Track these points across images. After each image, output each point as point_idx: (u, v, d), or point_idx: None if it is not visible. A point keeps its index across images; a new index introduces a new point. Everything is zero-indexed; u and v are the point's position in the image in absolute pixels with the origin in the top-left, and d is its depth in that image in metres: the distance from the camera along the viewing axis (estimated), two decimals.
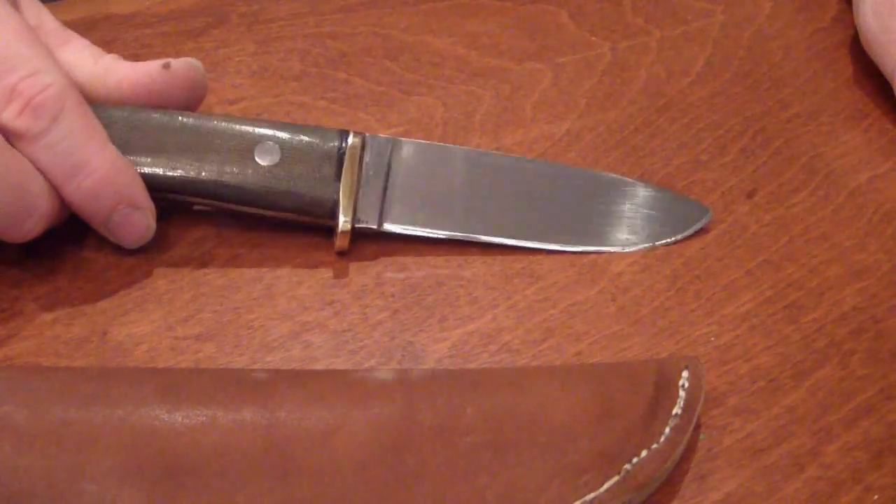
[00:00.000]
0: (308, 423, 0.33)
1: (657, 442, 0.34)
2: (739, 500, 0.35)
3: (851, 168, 0.48)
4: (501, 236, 0.43)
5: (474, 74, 0.51)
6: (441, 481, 0.32)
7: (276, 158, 0.41)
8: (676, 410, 0.35)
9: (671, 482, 0.35)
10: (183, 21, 0.52)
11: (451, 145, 0.43)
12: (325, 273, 0.42)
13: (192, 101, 0.42)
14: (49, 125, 0.37)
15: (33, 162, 0.38)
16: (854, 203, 0.46)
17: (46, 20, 0.42)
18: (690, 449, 0.36)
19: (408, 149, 0.43)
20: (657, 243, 0.43)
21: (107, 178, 0.38)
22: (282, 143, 0.41)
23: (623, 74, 0.52)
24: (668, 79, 0.52)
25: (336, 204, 0.41)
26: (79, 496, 0.31)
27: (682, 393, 0.35)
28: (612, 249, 0.43)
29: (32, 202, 0.38)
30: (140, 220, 0.40)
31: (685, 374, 0.36)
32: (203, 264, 0.42)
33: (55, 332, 0.39)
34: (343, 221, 0.41)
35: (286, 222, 0.42)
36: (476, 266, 0.42)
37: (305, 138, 0.41)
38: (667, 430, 0.34)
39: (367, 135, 0.43)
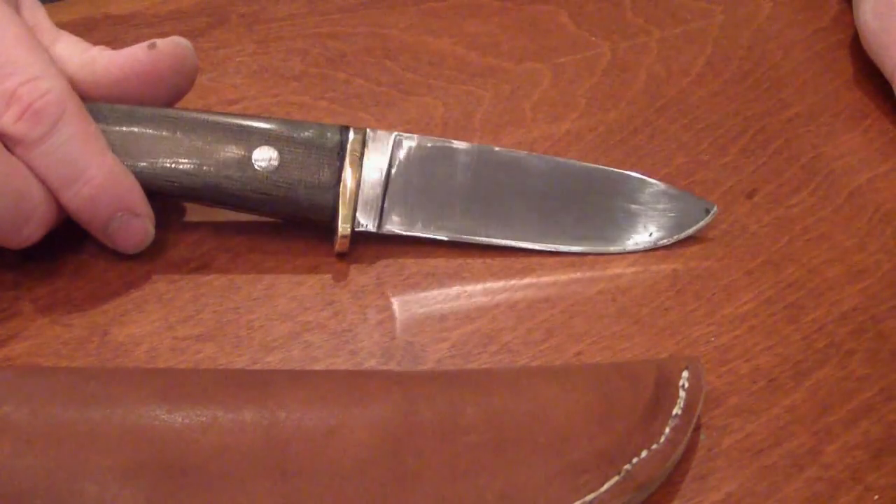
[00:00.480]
0: (308, 423, 0.33)
1: (657, 442, 0.34)
2: (739, 500, 0.35)
3: (851, 168, 0.48)
4: (501, 237, 0.43)
5: (474, 74, 0.51)
6: (441, 481, 0.32)
7: (274, 164, 0.40)
8: (676, 410, 0.35)
9: (671, 482, 0.35)
10: (183, 21, 0.53)
11: (453, 141, 0.43)
12: (325, 273, 0.42)
13: (182, 80, 0.41)
14: (48, 131, 0.37)
15: (31, 168, 0.38)
16: (854, 203, 0.46)
17: (42, 20, 0.42)
18: (690, 449, 0.36)
19: (409, 145, 0.42)
20: (660, 242, 0.43)
21: (105, 185, 0.38)
22: (280, 148, 0.40)
23: (623, 74, 0.52)
24: (668, 79, 0.52)
25: (335, 209, 0.41)
26: (79, 496, 0.31)
27: (682, 393, 0.35)
28: (616, 249, 0.43)
29: (31, 209, 0.38)
30: (139, 227, 0.40)
31: (685, 374, 0.36)
32: (203, 265, 0.42)
33: (55, 333, 0.39)
34: (342, 226, 0.41)
35: (286, 223, 0.42)
36: (476, 266, 0.42)
37: (304, 142, 0.41)
38: (667, 430, 0.34)
39: (368, 130, 0.42)
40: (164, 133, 0.40)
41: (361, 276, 0.42)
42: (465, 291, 0.41)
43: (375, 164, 0.42)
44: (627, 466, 0.33)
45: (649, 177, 0.44)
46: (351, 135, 0.41)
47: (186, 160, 0.40)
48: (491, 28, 0.54)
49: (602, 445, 0.33)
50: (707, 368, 0.39)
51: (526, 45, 0.53)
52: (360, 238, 0.42)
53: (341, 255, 0.42)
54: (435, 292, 0.41)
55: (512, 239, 0.43)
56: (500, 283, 0.42)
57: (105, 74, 0.40)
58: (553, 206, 0.43)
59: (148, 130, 0.40)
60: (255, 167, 0.40)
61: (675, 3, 0.57)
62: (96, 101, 0.40)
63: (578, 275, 0.42)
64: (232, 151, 0.40)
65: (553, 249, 0.43)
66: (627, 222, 0.43)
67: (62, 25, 0.43)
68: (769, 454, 0.36)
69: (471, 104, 0.50)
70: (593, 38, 0.54)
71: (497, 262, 0.43)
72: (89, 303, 0.40)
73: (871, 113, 0.51)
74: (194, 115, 0.41)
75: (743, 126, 0.49)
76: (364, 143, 0.41)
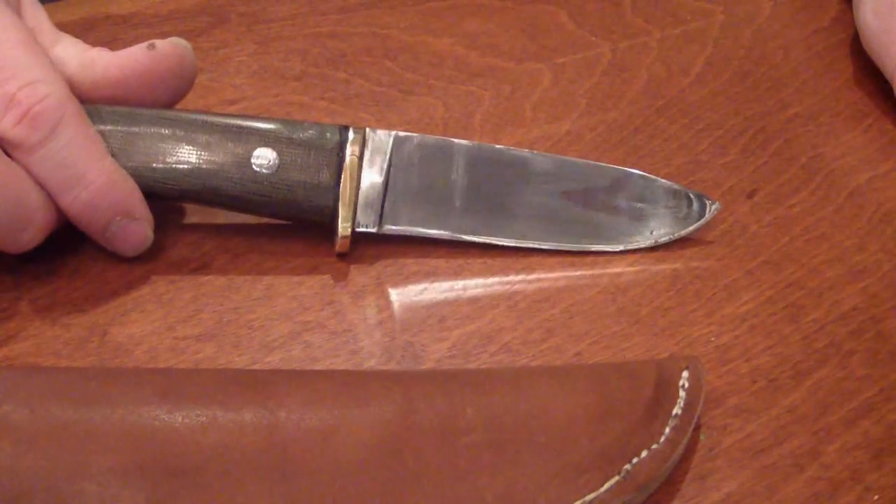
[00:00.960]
0: (308, 423, 0.33)
1: (657, 442, 0.34)
2: (739, 500, 0.35)
3: (851, 168, 0.48)
4: (502, 236, 0.43)
5: (474, 74, 0.51)
6: (441, 481, 0.32)
7: (273, 165, 0.40)
8: (676, 410, 0.35)
9: (671, 482, 0.35)
10: (183, 21, 0.53)
11: (453, 139, 0.42)
12: (325, 273, 0.42)
13: (181, 81, 0.41)
14: (47, 136, 0.37)
15: (30, 172, 0.37)
16: (854, 203, 0.46)
17: (42, 21, 0.42)
18: (690, 449, 0.36)
19: (409, 144, 0.42)
20: (662, 239, 0.43)
21: (104, 189, 0.38)
22: (279, 149, 0.40)
23: (623, 74, 0.52)
24: (668, 79, 0.52)
25: (335, 210, 0.41)
26: (79, 496, 0.31)
27: (682, 393, 0.35)
28: (618, 247, 0.43)
29: (29, 215, 0.38)
30: (137, 231, 0.40)
31: (685, 374, 0.36)
32: (203, 265, 0.42)
33: (55, 333, 0.39)
34: (343, 227, 0.41)
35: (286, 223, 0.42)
36: (476, 266, 0.42)
37: (303, 142, 0.40)
38: (667, 430, 0.34)
39: (368, 130, 0.42)
40: (163, 135, 0.40)
41: (361, 276, 0.42)
42: (465, 291, 0.41)
43: (375, 163, 0.42)
44: (627, 466, 0.33)
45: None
46: (350, 135, 0.41)
47: (186, 162, 0.40)
48: (491, 28, 0.54)
49: (602, 445, 0.33)
50: (707, 368, 0.39)
51: (526, 45, 0.53)
52: (360, 238, 0.42)
53: (341, 255, 0.42)
54: (435, 292, 0.41)
55: (513, 237, 0.43)
56: (500, 283, 0.42)
57: (104, 75, 0.40)
58: (554, 203, 0.43)
59: (147, 132, 0.40)
60: (255, 169, 0.40)
61: (675, 3, 0.57)
62: (96, 103, 0.40)
63: (578, 274, 0.42)
64: (231, 153, 0.40)
65: (554, 248, 0.43)
66: (629, 219, 0.43)
67: (62, 25, 0.43)
68: (769, 454, 0.36)
69: (471, 104, 0.50)
70: (593, 38, 0.54)
71: (497, 262, 0.43)
72: (89, 303, 0.40)
73: (871, 113, 0.51)
74: (193, 116, 0.41)
75: (743, 126, 0.49)
76: (364, 143, 0.41)
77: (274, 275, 0.42)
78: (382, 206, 0.42)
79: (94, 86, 0.40)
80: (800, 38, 0.55)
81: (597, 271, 0.42)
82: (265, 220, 0.43)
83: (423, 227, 0.42)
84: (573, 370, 0.36)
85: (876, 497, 0.35)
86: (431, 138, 0.42)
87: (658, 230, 0.43)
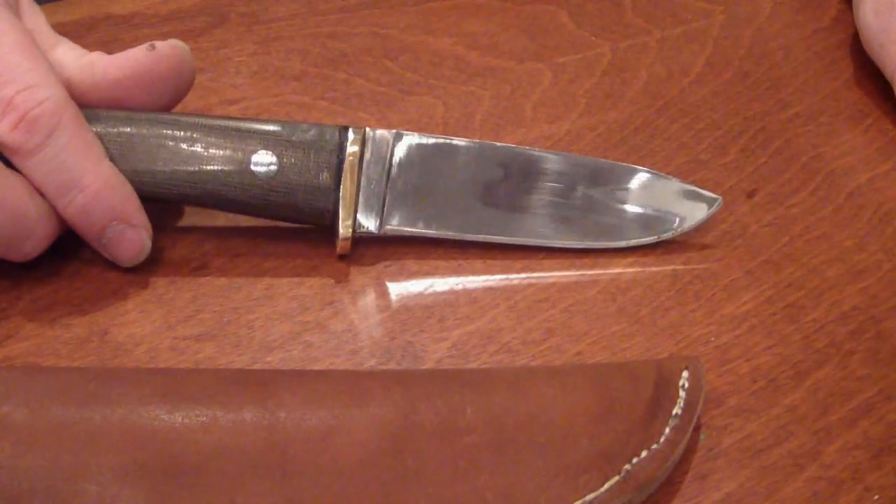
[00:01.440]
0: (308, 423, 0.33)
1: (657, 442, 0.34)
2: (739, 500, 0.35)
3: (851, 168, 0.48)
4: (504, 234, 0.43)
5: (474, 74, 0.51)
6: (441, 481, 0.32)
7: (273, 169, 0.40)
8: (676, 410, 0.35)
9: (671, 482, 0.35)
10: (183, 21, 0.53)
11: (453, 138, 0.42)
12: (326, 273, 0.42)
13: (180, 82, 0.41)
14: (44, 140, 0.37)
15: (28, 177, 0.38)
16: (854, 203, 0.46)
17: (41, 24, 0.42)
18: (690, 449, 0.36)
19: (409, 144, 0.42)
20: (664, 235, 0.43)
21: (100, 193, 0.38)
22: (279, 152, 0.40)
23: (623, 74, 0.52)
24: (668, 79, 0.52)
25: (336, 212, 0.41)
26: (79, 496, 0.31)
27: (682, 393, 0.35)
28: (620, 244, 0.43)
29: (30, 226, 0.38)
30: (134, 238, 0.40)
31: (685, 374, 0.36)
32: (203, 264, 0.42)
33: (55, 333, 0.39)
34: (343, 230, 0.41)
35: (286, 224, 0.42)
36: (476, 266, 0.42)
37: (303, 144, 0.40)
38: (667, 430, 0.34)
39: (368, 130, 0.41)
40: (162, 139, 0.40)
41: (362, 276, 0.42)
42: (465, 291, 0.41)
43: (375, 164, 0.41)
44: (627, 466, 0.33)
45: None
46: (350, 135, 0.41)
47: (185, 167, 0.40)
48: (491, 28, 0.54)
49: (602, 445, 0.33)
50: (707, 368, 0.39)
51: (526, 45, 0.53)
52: (360, 238, 0.42)
53: (342, 256, 0.42)
54: (435, 292, 0.41)
55: (514, 235, 0.43)
56: (500, 283, 0.42)
57: (104, 76, 0.40)
58: (556, 200, 0.43)
59: (146, 136, 0.40)
60: (254, 173, 0.40)
61: (675, 3, 0.57)
62: (96, 106, 0.40)
63: (578, 274, 0.42)
64: (230, 157, 0.40)
65: (556, 245, 0.43)
66: (631, 216, 0.43)
67: (62, 25, 0.43)
68: (769, 454, 0.36)
69: (471, 104, 0.50)
70: (593, 38, 0.54)
71: (497, 261, 0.43)
72: (89, 303, 0.40)
73: (871, 113, 0.51)
74: (192, 119, 0.40)
75: (743, 126, 0.49)
76: (363, 144, 0.41)
77: (274, 275, 0.42)
78: (383, 207, 0.42)
79: (94, 87, 0.40)
80: (800, 38, 0.55)
81: (597, 271, 0.42)
82: (265, 220, 0.43)
83: (424, 226, 0.42)
84: (573, 370, 0.36)
85: (876, 497, 0.35)
86: (432, 137, 0.42)
87: (662, 226, 0.43)
